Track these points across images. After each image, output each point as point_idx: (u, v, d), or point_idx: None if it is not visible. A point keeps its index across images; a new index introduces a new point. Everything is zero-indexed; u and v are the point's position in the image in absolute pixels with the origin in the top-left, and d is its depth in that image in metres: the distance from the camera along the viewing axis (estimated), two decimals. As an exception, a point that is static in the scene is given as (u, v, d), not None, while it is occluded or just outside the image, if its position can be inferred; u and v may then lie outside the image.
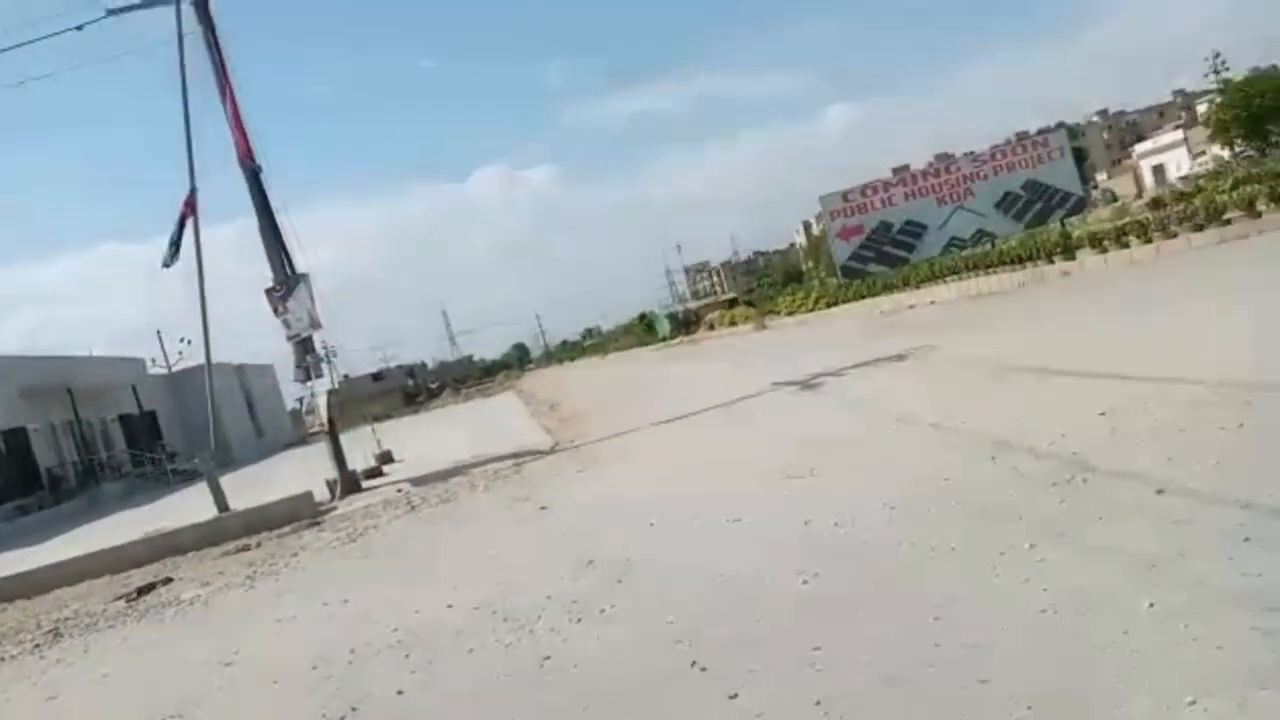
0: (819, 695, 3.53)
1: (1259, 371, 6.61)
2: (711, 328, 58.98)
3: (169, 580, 10.42)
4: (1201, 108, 59.53)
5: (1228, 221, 18.70)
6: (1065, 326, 13.12)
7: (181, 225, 14.48)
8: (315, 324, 14.99)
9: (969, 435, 7.30)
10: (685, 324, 73.39)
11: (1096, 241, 21.33)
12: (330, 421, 14.95)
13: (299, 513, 12.99)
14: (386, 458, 17.88)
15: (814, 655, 3.91)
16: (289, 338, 15.02)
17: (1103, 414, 6.72)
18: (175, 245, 14.52)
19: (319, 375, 15.20)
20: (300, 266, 15.25)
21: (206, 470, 15.42)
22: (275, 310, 14.97)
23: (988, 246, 28.63)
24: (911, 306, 26.42)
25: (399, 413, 62.88)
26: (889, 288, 29.87)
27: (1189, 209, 20.05)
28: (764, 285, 77.14)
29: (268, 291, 15.03)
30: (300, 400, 16.77)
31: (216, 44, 14.98)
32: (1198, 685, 2.90)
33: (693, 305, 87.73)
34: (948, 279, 26.62)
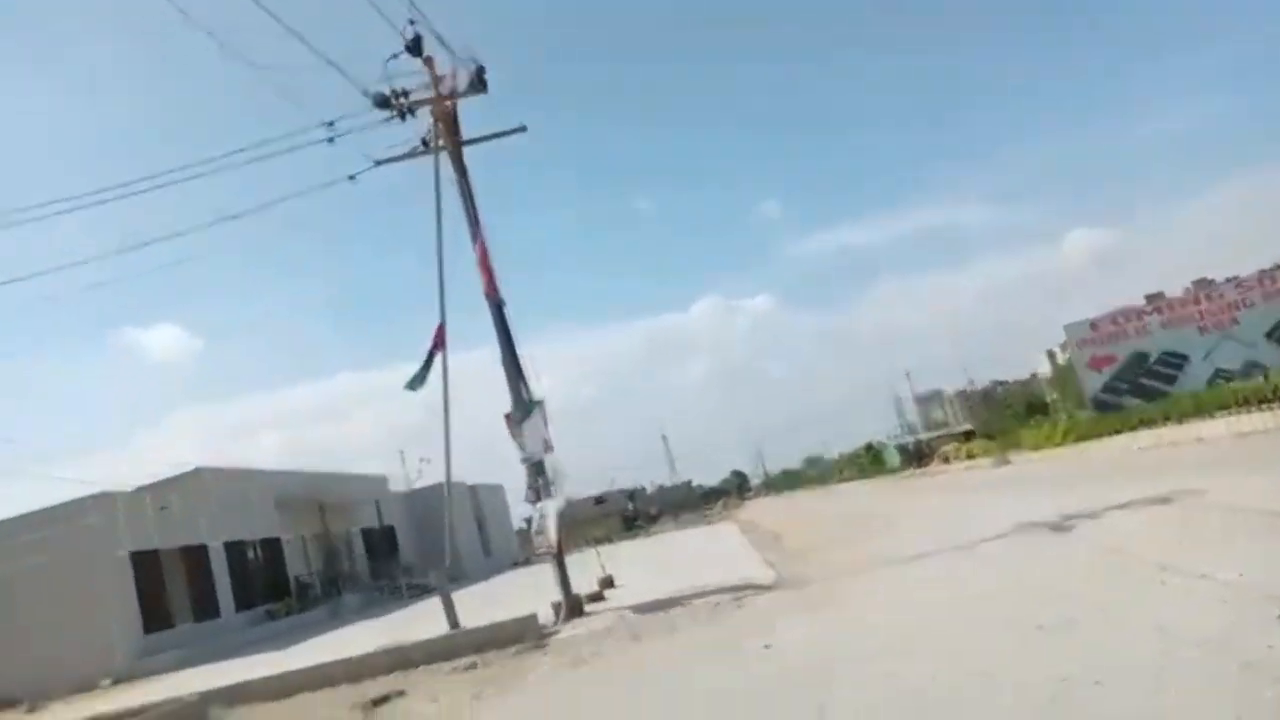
0: None
1: None
2: (946, 460, 56.52)
3: (402, 693, 10.80)
4: None
5: None
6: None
7: (431, 356, 15.61)
8: (548, 447, 15.54)
9: (1246, 590, 6.46)
10: (917, 456, 70.82)
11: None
12: (558, 543, 15.26)
13: (525, 634, 13.21)
14: (608, 582, 18.02)
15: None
16: (523, 460, 15.63)
17: None
18: (424, 371, 15.65)
19: (549, 496, 15.66)
20: (536, 393, 15.97)
21: (440, 585, 16.08)
22: (512, 434, 15.66)
23: (1259, 379, 26.00)
24: (1174, 444, 24.19)
25: (618, 536, 63.66)
26: (1146, 422, 27.54)
27: None
28: (1004, 417, 73.29)
29: (506, 416, 15.80)
30: (528, 520, 17.27)
31: (469, 190, 16.33)
32: None
33: (924, 436, 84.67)
34: (1216, 414, 24.24)
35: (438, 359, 15.90)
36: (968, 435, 67.16)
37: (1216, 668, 5.03)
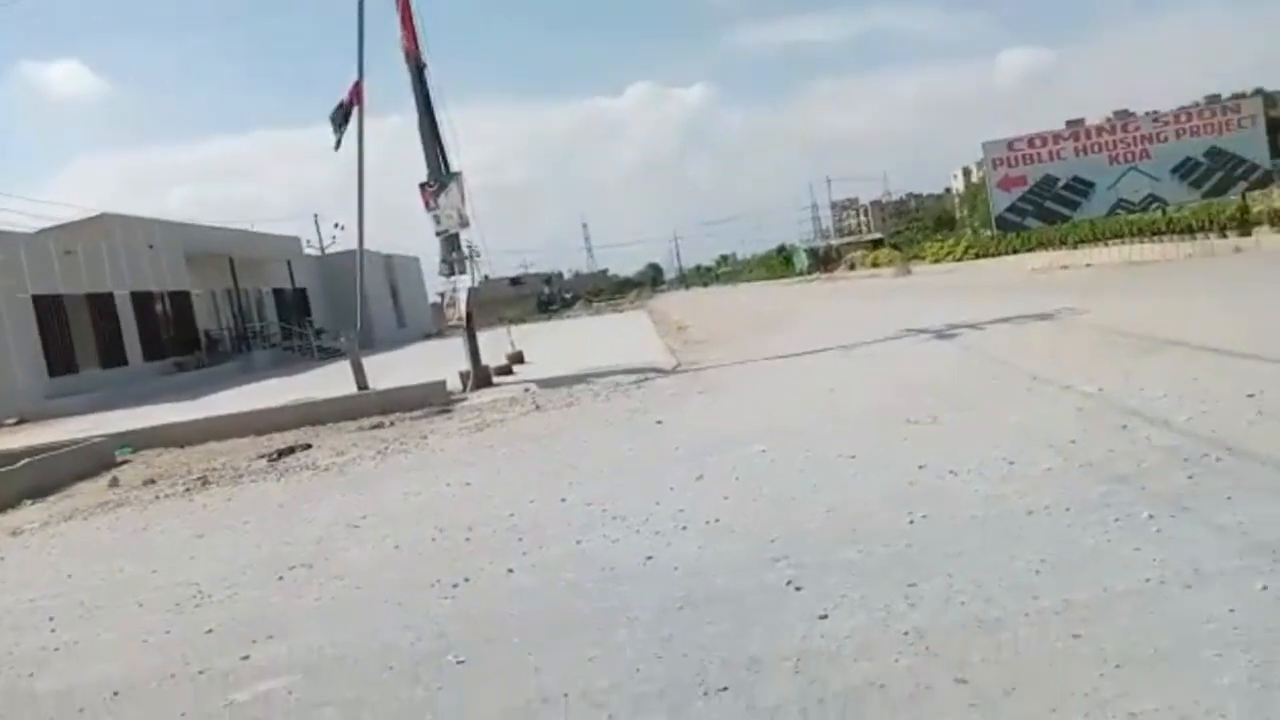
0: (908, 627, 3.61)
1: None
2: (852, 267, 57.89)
3: (308, 446, 11.16)
4: None
5: None
6: (1226, 304, 12.41)
7: (345, 111, 15.08)
8: (464, 222, 15.46)
9: (1103, 401, 7.09)
10: (824, 261, 72.23)
11: (1277, 218, 19.90)
12: (468, 316, 15.49)
13: (431, 399, 13.62)
14: (518, 358, 18.46)
15: (909, 590, 3.98)
16: (438, 233, 15.56)
17: (1251, 395, 6.43)
18: (339, 129, 15.16)
19: (463, 272, 15.76)
20: (454, 165, 15.70)
21: (350, 349, 16.29)
22: (427, 205, 15.49)
23: (1158, 213, 27.03)
24: (1065, 267, 25.32)
25: (533, 318, 64.28)
26: (1044, 244, 28.63)
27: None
28: (913, 229, 74.77)
29: (422, 186, 15.56)
30: (442, 295, 17.38)
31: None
32: (1299, 669, 2.86)
33: (835, 242, 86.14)
34: (1109, 242, 25.32)
35: (354, 117, 15.39)
36: (876, 244, 68.59)
37: (1060, 465, 5.62)
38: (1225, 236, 21.02)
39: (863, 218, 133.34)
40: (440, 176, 15.47)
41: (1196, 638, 3.18)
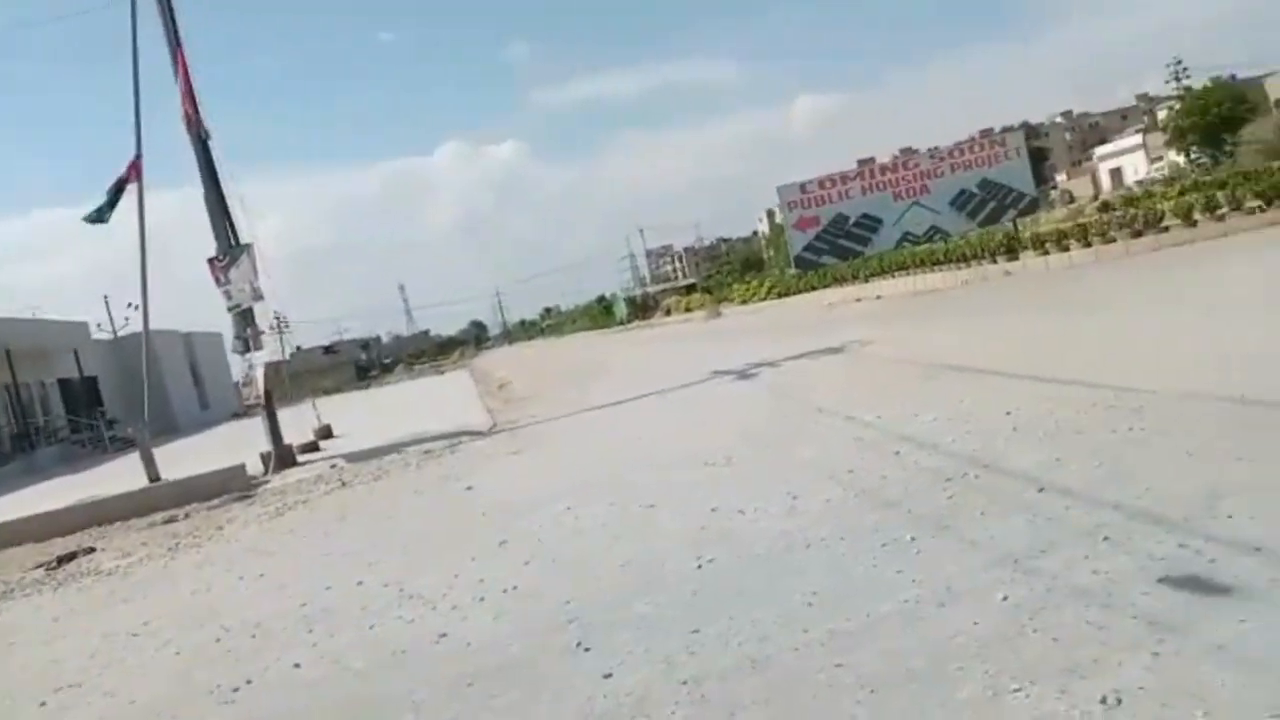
0: (687, 675, 3.67)
1: (1156, 379, 6.86)
2: (668, 313, 59.27)
3: (91, 550, 10.35)
4: (1162, 113, 60.61)
5: (1165, 229, 19.18)
6: (995, 327, 13.42)
7: (120, 188, 14.30)
8: (257, 295, 14.88)
9: (881, 429, 7.49)
10: (643, 308, 73.71)
11: (1039, 243, 21.80)
12: (267, 395, 14.87)
13: (230, 485, 12.93)
14: (326, 433, 17.83)
15: (691, 638, 4.05)
16: (229, 308, 14.91)
17: (1008, 413, 6.95)
18: (110, 206, 14.36)
19: (259, 347, 15.12)
20: (245, 236, 15.12)
21: (139, 438, 15.28)
22: (217, 280, 14.84)
23: (940, 244, 29.05)
24: (858, 300, 26.80)
25: (349, 387, 62.52)
26: (839, 280, 30.26)
27: (1129, 215, 20.55)
28: (724, 272, 77.41)
29: (210, 261, 14.89)
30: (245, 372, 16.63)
31: (170, 9, 14.76)
32: (1026, 674, 3.08)
33: (651, 289, 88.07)
34: (895, 274, 27.03)
35: (131, 192, 14.60)
36: (690, 289, 70.57)
37: (838, 496, 5.88)
38: (996, 262, 22.83)
39: (678, 264, 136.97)
40: (229, 249, 14.85)
41: (945, 654, 3.38)
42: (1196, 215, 18.94)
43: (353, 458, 13.75)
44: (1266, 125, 35.80)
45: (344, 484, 11.52)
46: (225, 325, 15.75)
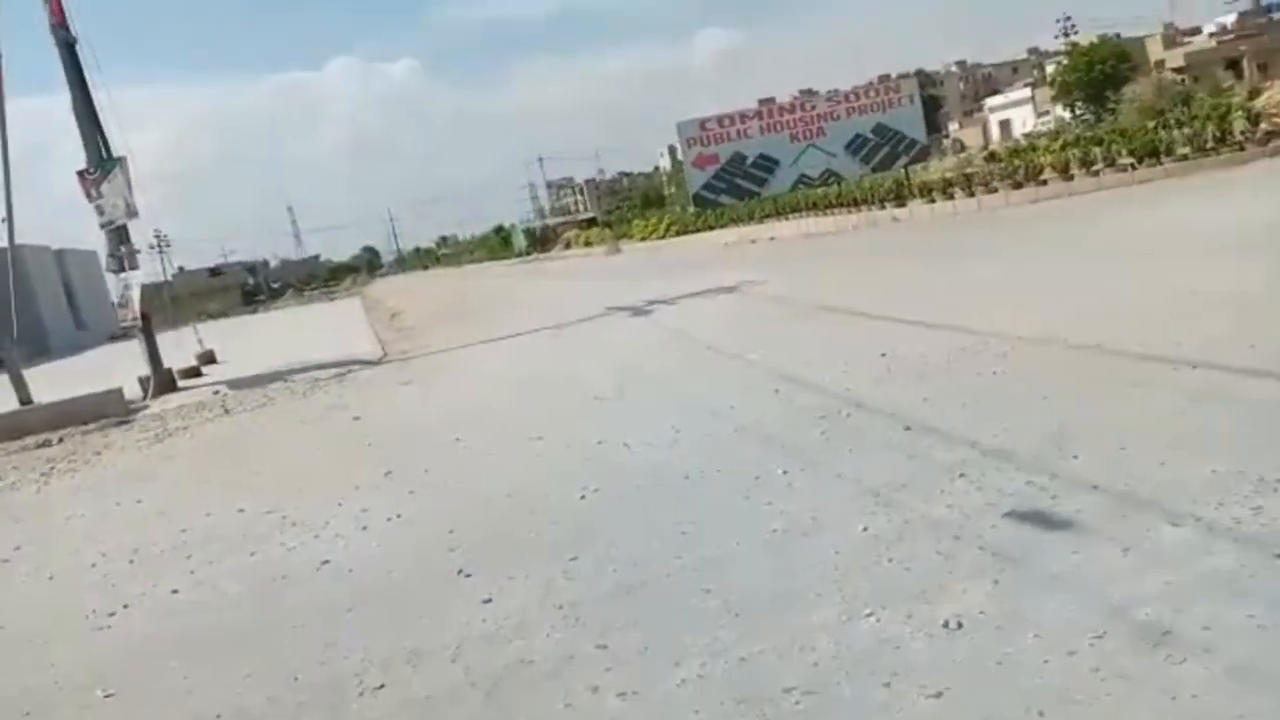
0: (563, 601, 3.81)
1: (1022, 326, 7.23)
2: (567, 246, 58.96)
3: (-44, 474, 9.93)
4: (1051, 68, 62.35)
5: (1044, 182, 19.98)
6: (879, 271, 13.84)
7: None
8: (131, 212, 14.23)
9: (764, 368, 7.73)
10: (542, 240, 73.09)
11: (927, 191, 22.44)
12: (144, 316, 14.31)
13: (107, 410, 12.50)
14: (209, 358, 17.33)
15: (570, 565, 4.19)
16: (102, 225, 14.23)
17: (883, 355, 7.25)
18: None
19: (134, 267, 14.51)
20: (119, 149, 14.38)
21: (7, 358, 14.57)
22: (88, 195, 14.12)
23: (834, 186, 29.55)
24: (753, 241, 27.16)
25: (236, 311, 60.58)
26: (736, 220, 30.57)
27: (1011, 167, 21.30)
28: (624, 208, 77.13)
29: (80, 174, 14.14)
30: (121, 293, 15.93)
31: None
32: (877, 599, 3.31)
33: (551, 222, 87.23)
34: (790, 216, 27.46)
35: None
36: (590, 223, 70.22)
37: (718, 430, 6.08)
38: (885, 208, 23.44)
39: (579, 197, 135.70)
40: (101, 163, 14.12)
41: (806, 580, 3.59)
42: (1073, 170, 19.79)
43: (237, 384, 13.43)
44: (1147, 84, 37.25)
45: (227, 411, 11.28)
46: (101, 242, 15.00)
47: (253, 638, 4.05)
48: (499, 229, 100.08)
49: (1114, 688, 2.56)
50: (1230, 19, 67.06)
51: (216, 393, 12.96)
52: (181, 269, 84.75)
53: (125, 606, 4.74)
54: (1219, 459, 3.94)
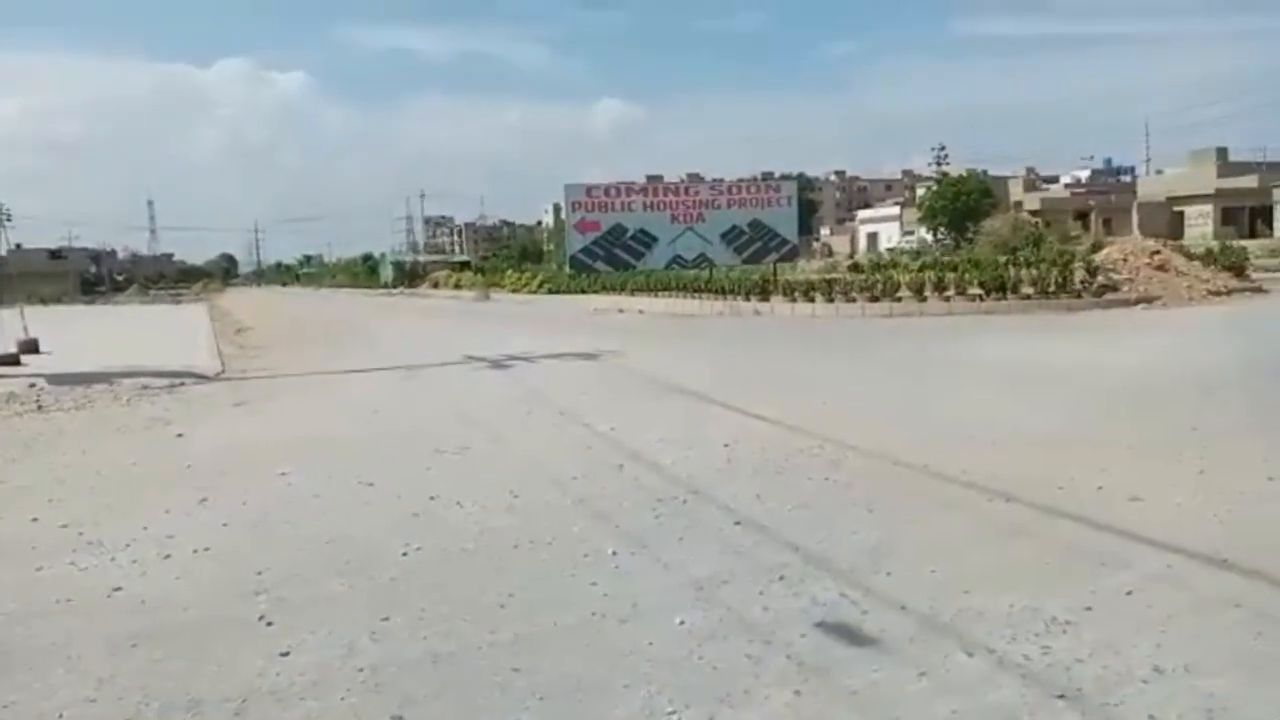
0: (366, 663, 3.68)
1: (860, 436, 7.51)
2: (435, 285, 58.09)
3: None
4: (921, 191, 66.09)
5: (899, 299, 21.02)
6: (736, 360, 14.17)
7: None
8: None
9: (612, 442, 7.75)
10: (411, 275, 71.87)
11: (790, 291, 23.26)
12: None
13: (-98, 388, 11.49)
14: (31, 347, 16.20)
15: (380, 624, 4.06)
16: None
17: (727, 445, 7.39)
18: None
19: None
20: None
21: None
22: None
23: (706, 272, 30.22)
24: (621, 311, 27.47)
25: (72, 299, 56.99)
26: (608, 289, 30.84)
27: (870, 280, 22.34)
28: (500, 257, 76.84)
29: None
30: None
31: None
32: (682, 698, 3.32)
33: (423, 259, 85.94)
34: (659, 293, 27.94)
35: None
36: (464, 265, 69.60)
37: (556, 500, 6.04)
38: (749, 300, 24.15)
39: (456, 238, 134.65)
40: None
41: (616, 670, 3.58)
42: (927, 292, 20.92)
43: (57, 380, 12.58)
44: (1005, 220, 39.81)
45: (40, 407, 10.55)
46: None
47: (20, 663, 3.74)
48: (367, 257, 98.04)
49: (891, 812, 2.63)
50: (1084, 174, 73.10)
51: (33, 385, 12.11)
52: (19, 246, 79.36)
53: (-119, 616, 4.31)
54: (1017, 593, 4.16)
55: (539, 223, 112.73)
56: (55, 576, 4.80)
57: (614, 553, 4.92)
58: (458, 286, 51.97)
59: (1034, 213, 47.94)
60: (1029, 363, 12.17)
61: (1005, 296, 20.42)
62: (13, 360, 14.66)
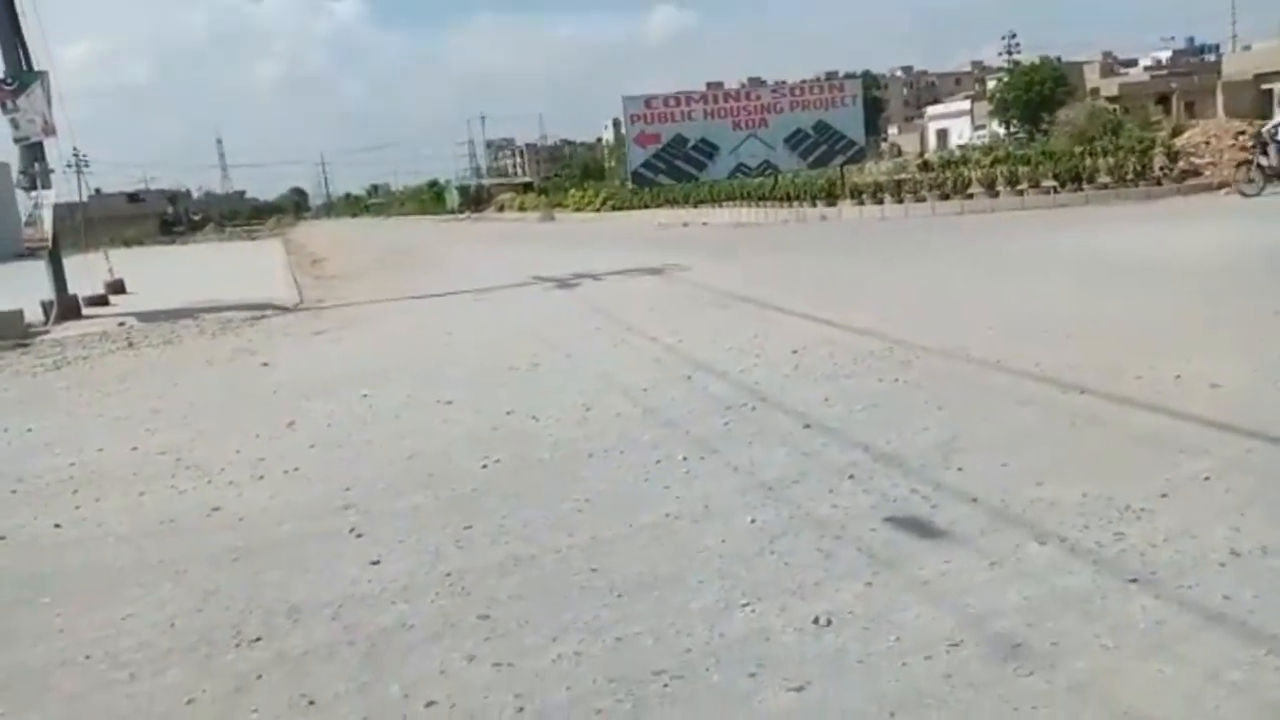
0: (452, 568, 3.85)
1: (930, 335, 7.45)
2: (501, 209, 58.24)
3: None
4: (992, 83, 63.66)
5: (970, 195, 20.47)
6: (805, 267, 14.05)
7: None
8: (49, 130, 13.70)
9: (679, 353, 7.82)
10: (476, 200, 72.05)
11: (857, 194, 22.80)
12: (53, 238, 13.81)
13: (5, 331, 12.06)
14: (118, 287, 16.81)
15: (463, 533, 4.23)
16: (16, 139, 13.67)
17: (794, 351, 7.39)
18: None
19: (47, 186, 13.96)
20: (40, 63, 13.79)
21: (-101, 270, 13.92)
22: (3, 107, 13.53)
23: (770, 179, 29.74)
24: (685, 225, 27.27)
25: (152, 240, 58.56)
26: (671, 202, 30.59)
27: (940, 178, 21.77)
28: (563, 176, 76.54)
29: (-4, 85, 13.54)
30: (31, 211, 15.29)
31: None
32: (755, 591, 3.42)
33: (487, 182, 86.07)
34: (724, 204, 27.60)
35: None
36: (526, 187, 69.47)
37: (627, 411, 6.14)
38: (815, 205, 23.75)
39: (518, 159, 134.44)
40: (20, 74, 13.53)
41: (690, 567, 3.69)
42: (999, 187, 20.33)
43: (144, 317, 13.07)
44: (1080, 109, 38.23)
45: (131, 344, 10.98)
46: (12, 154, 14.39)
47: (132, 580, 4.00)
48: (433, 184, 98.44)
49: (962, 695, 2.70)
50: (1165, 55, 69.39)
51: (122, 324, 12.61)
52: (99, 191, 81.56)
53: (2, 538, 4.63)
54: (1091, 483, 4.14)
55: (599, 139, 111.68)
56: (158, 500, 5.07)
57: (684, 458, 5.01)
58: (522, 208, 52.04)
59: (1111, 99, 45.76)
60: (1104, 252, 11.84)
61: (1081, 187, 19.75)
62: (102, 301, 15.25)
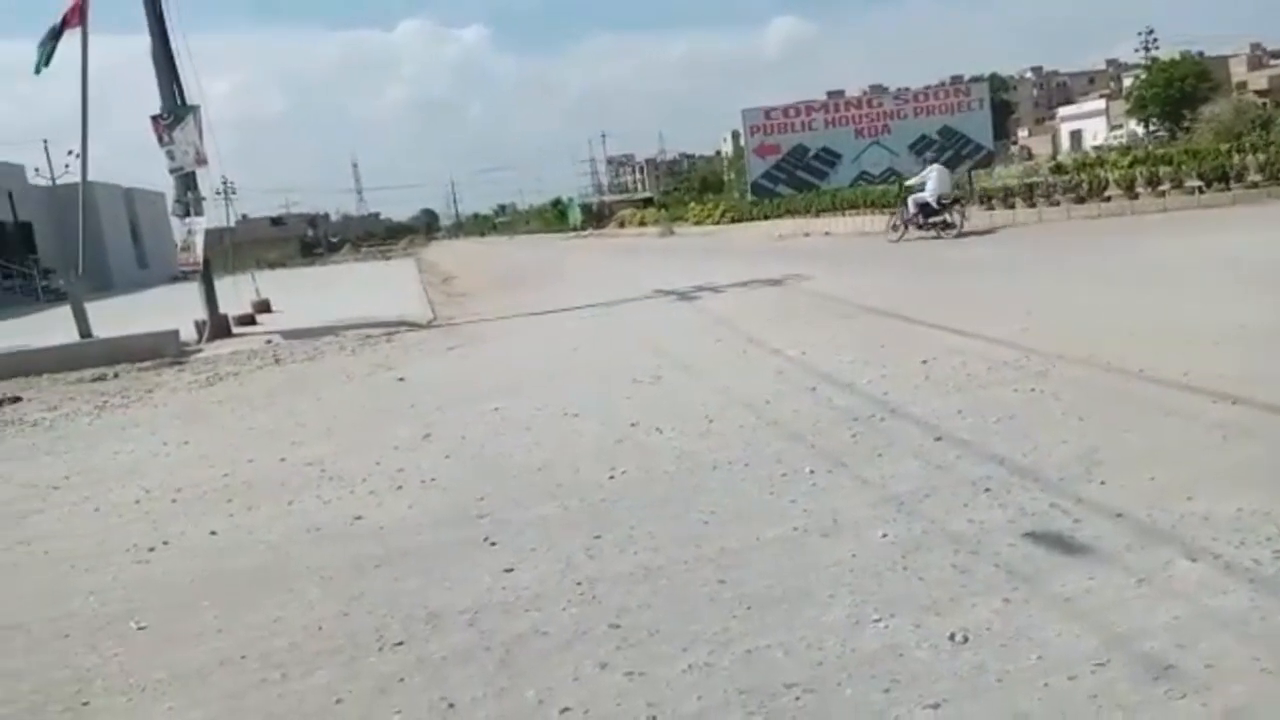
0: (583, 577, 3.92)
1: (1066, 343, 7.18)
2: (622, 225, 58.93)
3: (17, 399, 10.31)
4: (1128, 81, 60.90)
5: (1108, 199, 19.62)
6: (930, 276, 13.73)
7: (59, 32, 13.77)
8: (200, 160, 14.57)
9: (803, 365, 7.75)
10: (598, 216, 73.22)
11: (986, 199, 22.13)
12: (205, 262, 14.69)
13: (162, 349, 12.88)
14: (264, 306, 17.71)
15: (593, 543, 4.30)
16: (171, 170, 14.62)
17: (924, 362, 7.24)
18: (47, 53, 13.85)
19: (200, 213, 14.88)
20: (193, 97, 14.71)
21: (72, 291, 15.04)
22: (160, 139, 14.49)
23: (894, 186, 29.23)
24: (807, 234, 27.02)
25: (294, 262, 61.63)
26: (792, 212, 30.38)
27: (1075, 181, 20.93)
28: (682, 190, 76.93)
29: (154, 118, 14.52)
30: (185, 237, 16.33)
31: None
32: (888, 606, 3.36)
33: (608, 198, 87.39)
34: (847, 212, 27.24)
35: (72, 36, 14.05)
36: (647, 202, 70.19)
37: (751, 423, 6.14)
38: (943, 211, 23.16)
39: (638, 175, 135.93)
40: (175, 109, 14.46)
41: (820, 581, 3.66)
42: (1139, 188, 19.41)
43: (289, 335, 13.74)
44: (1226, 105, 36.26)
45: (277, 361, 11.56)
46: (168, 184, 15.40)
47: (283, 585, 4.21)
48: (556, 202, 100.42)
49: (1110, 716, 2.60)
50: (1322, 43, 64.96)
51: (269, 342, 13.28)
52: (245, 216, 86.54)
53: (165, 543, 4.94)
54: (1247, 497, 3.93)
55: (718, 152, 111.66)
56: (304, 509, 5.33)
57: (811, 471, 4.97)
58: (642, 223, 52.53)
59: (1260, 93, 43.23)
60: (1254, 255, 11.18)
61: (1229, 187, 18.67)
62: (249, 320, 16.10)
